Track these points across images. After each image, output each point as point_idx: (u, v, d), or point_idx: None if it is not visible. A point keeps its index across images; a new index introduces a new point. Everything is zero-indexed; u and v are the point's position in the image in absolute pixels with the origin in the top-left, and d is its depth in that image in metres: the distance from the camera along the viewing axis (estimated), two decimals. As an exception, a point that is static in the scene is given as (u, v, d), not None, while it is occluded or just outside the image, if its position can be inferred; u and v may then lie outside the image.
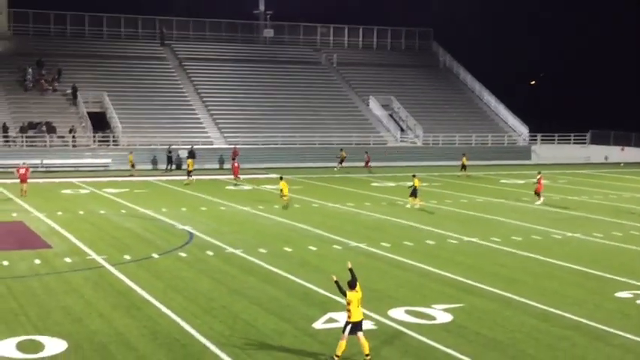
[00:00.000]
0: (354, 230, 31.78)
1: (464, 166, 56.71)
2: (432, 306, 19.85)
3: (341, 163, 60.45)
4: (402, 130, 73.37)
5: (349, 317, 15.70)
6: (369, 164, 59.80)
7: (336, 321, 18.35)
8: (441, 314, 19.11)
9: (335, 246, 28.27)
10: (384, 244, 28.64)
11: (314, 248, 27.74)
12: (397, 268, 24.72)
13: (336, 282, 16.15)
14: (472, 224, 33.91)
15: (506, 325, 18.34)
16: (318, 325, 18.13)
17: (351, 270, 16.26)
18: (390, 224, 33.77)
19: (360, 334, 15.72)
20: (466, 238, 30.09)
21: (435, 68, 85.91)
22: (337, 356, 15.62)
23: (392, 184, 50.44)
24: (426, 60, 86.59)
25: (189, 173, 50.10)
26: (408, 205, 38.80)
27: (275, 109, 72.02)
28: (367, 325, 18.05)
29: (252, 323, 18.24)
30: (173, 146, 61.39)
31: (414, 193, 38.80)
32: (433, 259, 26.01)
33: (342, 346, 15.65)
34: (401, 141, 71.99)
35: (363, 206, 39.16)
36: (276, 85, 75.46)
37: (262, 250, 27.04)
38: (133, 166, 55.91)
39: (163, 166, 59.52)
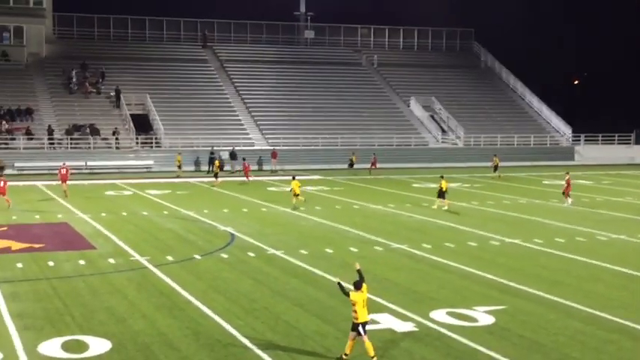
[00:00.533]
0: (395, 231, 31.67)
1: (496, 167, 56.27)
2: (474, 308, 19.70)
3: (351, 166, 59.46)
4: (443, 131, 73.02)
5: (356, 319, 15.64)
6: (376, 166, 58.84)
7: (377, 322, 18.29)
8: (483, 316, 18.96)
9: (376, 247, 28.20)
10: (425, 245, 28.51)
11: (355, 249, 27.70)
12: (439, 269, 24.59)
13: (339, 283, 16.18)
14: (514, 225, 33.63)
15: (549, 328, 18.14)
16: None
17: (359, 271, 16.25)
18: (432, 225, 33.61)
19: (357, 337, 15.71)
20: (508, 240, 29.84)
21: (477, 69, 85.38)
22: (372, 357, 15.55)
23: (433, 185, 50.16)
24: (467, 60, 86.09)
25: (216, 175, 50.24)
26: (435, 207, 38.52)
27: (316, 110, 72.12)
28: (408, 326, 18.02)
29: (293, 324, 18.26)
30: (215, 147, 61.73)
31: (441, 194, 38.50)
32: (475, 260, 25.82)
33: (369, 346, 15.61)
34: (442, 142, 71.65)
35: (404, 207, 39.03)
36: (316, 87, 75.56)
37: (304, 252, 27.07)
38: (179, 167, 56.36)
39: (206, 168, 59.83)
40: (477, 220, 35.22)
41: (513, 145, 72.32)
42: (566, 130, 76.05)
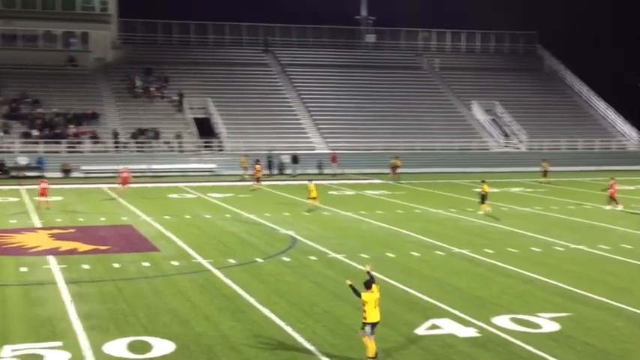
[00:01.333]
0: (456, 236, 31.46)
1: (545, 173, 55.30)
2: (538, 314, 19.46)
3: (394, 171, 57.89)
4: (505, 135, 72.26)
5: (365, 318, 15.73)
6: (397, 171, 57.94)
7: (439, 327, 18.22)
8: (547, 323, 18.72)
9: (437, 252, 28.05)
10: (487, 250, 28.26)
11: (416, 254, 27.60)
12: (501, 274, 24.36)
13: (351, 285, 16.21)
14: (579, 231, 33.14)
15: (616, 336, 17.82)
16: (421, 331, 18.03)
17: (369, 272, 16.38)
18: (493, 230, 33.31)
19: (372, 337, 15.78)
20: (573, 245, 29.41)
21: (540, 72, 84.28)
22: (371, 358, 15.62)
23: (495, 189, 49.72)
24: (530, 64, 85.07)
25: (257, 179, 49.82)
26: (481, 212, 37.98)
27: (377, 114, 72.01)
28: (470, 332, 17.89)
29: (354, 328, 18.22)
30: (274, 151, 61.99)
31: (483, 199, 38.00)
32: (538, 266, 25.51)
33: (372, 347, 15.68)
34: (504, 146, 70.91)
35: (465, 212, 38.74)
36: (378, 91, 75.43)
37: (365, 256, 27.06)
38: (245, 169, 56.96)
39: (268, 172, 60.09)
40: (541, 225, 34.78)
41: (577, 149, 71.22)
42: (633, 133, 74.59)
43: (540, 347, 16.85)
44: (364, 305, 15.78)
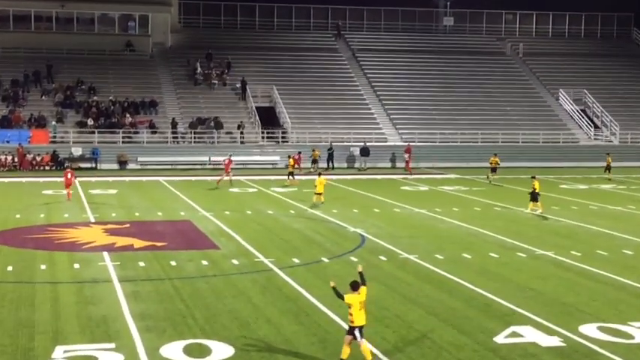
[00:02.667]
0: (539, 236, 31.09)
1: (608, 168, 53.96)
2: (630, 323, 19.14)
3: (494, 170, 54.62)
4: (596, 127, 71.04)
5: (351, 322, 15.77)
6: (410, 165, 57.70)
7: (520, 335, 18.04)
8: (639, 333, 18.40)
9: (519, 253, 27.76)
10: (574, 252, 27.87)
11: (495, 255, 27.35)
12: (589, 279, 24.01)
13: (333, 288, 16.22)
14: (677, 233, 32.47)
15: None
16: (500, 339, 17.87)
17: (360, 273, 16.36)
18: (581, 230, 32.83)
19: (363, 340, 15.79)
20: (669, 249, 28.85)
21: (636, 58, 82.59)
22: None
23: (583, 186, 48.95)
24: (624, 49, 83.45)
25: (290, 174, 49.22)
26: (527, 210, 37.45)
27: (454, 103, 71.48)
28: (554, 341, 17.66)
29: (427, 335, 18.19)
30: (337, 143, 62.01)
31: (534, 196, 37.36)
32: (631, 270, 25.07)
33: (366, 350, 15.76)
34: (595, 139, 69.74)
35: (550, 210, 38.21)
36: (456, 78, 74.86)
37: (439, 256, 26.92)
38: (315, 161, 57.45)
39: (325, 165, 59.97)
40: (635, 226, 34.15)
41: (676, 142, 69.80)
42: None
43: (631, 359, 16.58)
44: (349, 308, 15.82)
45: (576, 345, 17.56)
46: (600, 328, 18.71)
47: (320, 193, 39.34)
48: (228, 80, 70.13)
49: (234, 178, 48.44)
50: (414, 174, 56.01)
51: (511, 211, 38.30)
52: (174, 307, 20.30)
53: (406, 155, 59.43)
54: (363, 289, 16.01)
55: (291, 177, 48.84)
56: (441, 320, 19.33)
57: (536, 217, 36.51)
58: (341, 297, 15.99)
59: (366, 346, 15.93)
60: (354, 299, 15.86)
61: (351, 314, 15.88)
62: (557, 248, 28.58)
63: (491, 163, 52.53)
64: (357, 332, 15.85)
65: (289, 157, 52.14)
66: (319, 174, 41.14)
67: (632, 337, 18.12)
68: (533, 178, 38.39)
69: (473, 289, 22.46)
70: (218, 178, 48.32)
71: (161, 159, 59.31)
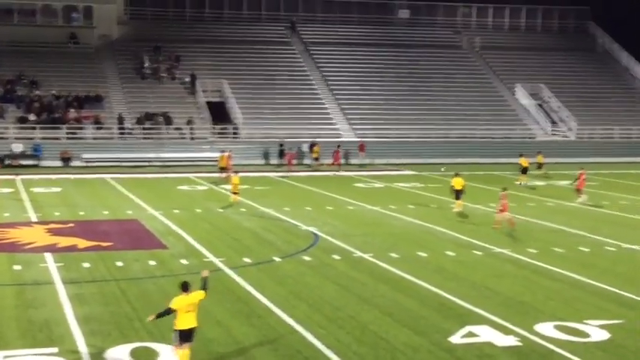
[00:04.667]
0: (496, 234, 31.38)
1: (540, 166, 54.17)
2: (586, 322, 19.41)
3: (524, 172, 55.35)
4: (552, 122, 71.88)
5: (175, 325, 15.52)
6: (340, 162, 57.60)
7: (476, 335, 18.20)
8: (596, 331, 18.67)
9: (475, 251, 28.00)
10: (530, 250, 28.19)
11: (451, 253, 27.55)
12: (546, 277, 24.30)
13: (159, 315, 15.82)
14: (633, 229, 33.01)
15: (673, 347, 17.75)
16: (456, 339, 18.01)
17: (204, 279, 16.30)
18: (538, 228, 33.21)
19: (186, 344, 15.49)
20: (626, 245, 29.29)
21: (593, 52, 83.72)
22: None
23: (541, 183, 49.47)
24: (581, 43, 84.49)
25: (222, 169, 49.29)
26: (455, 209, 37.24)
27: (410, 98, 71.82)
28: (510, 340, 17.83)
29: (382, 335, 18.27)
30: (289, 139, 62.11)
31: (457, 194, 37.24)
32: (588, 268, 25.43)
33: (182, 357, 15.48)
34: (552, 134, 70.54)
35: (507, 207, 38.56)
36: (411, 72, 75.25)
37: (394, 255, 27.04)
38: (317, 159, 58.41)
39: (276, 161, 60.04)
40: (590, 222, 34.65)
41: (632, 138, 70.81)
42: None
43: (588, 358, 16.84)
44: (176, 312, 15.56)
45: (533, 344, 17.75)
46: (557, 327, 18.93)
47: (237, 192, 38.76)
48: (177, 74, 69.73)
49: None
50: (369, 170, 56.16)
51: (467, 207, 38.54)
52: (120, 309, 20.14)
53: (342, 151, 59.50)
54: (197, 293, 15.75)
55: (223, 173, 48.61)
56: (396, 321, 19.42)
57: (493, 213, 36.79)
58: (167, 312, 15.62)
59: (183, 352, 15.49)
60: (182, 301, 15.57)
61: (175, 317, 15.55)
62: (513, 246, 28.89)
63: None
64: (174, 335, 15.54)
65: (222, 151, 51.83)
66: (236, 172, 40.70)
67: (589, 336, 18.36)
68: (456, 175, 38.02)
69: (428, 288, 22.60)
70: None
71: (107, 156, 58.74)
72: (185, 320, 15.55)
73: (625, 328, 18.94)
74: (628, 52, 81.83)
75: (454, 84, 74.62)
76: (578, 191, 41.45)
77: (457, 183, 37.28)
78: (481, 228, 32.83)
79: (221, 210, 37.05)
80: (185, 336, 15.53)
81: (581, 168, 43.06)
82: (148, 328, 18.53)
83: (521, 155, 51.33)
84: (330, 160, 57.58)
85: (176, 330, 15.55)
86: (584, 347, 17.60)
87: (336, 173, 54.42)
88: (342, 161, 58.65)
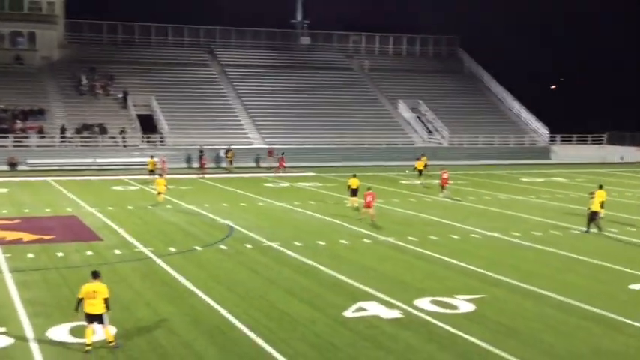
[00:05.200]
0: (383, 225, 31.64)
1: (417, 169, 54.00)
2: (456, 296, 19.73)
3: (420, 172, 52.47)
4: (429, 131, 73.01)
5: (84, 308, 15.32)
6: (284, 166, 57.18)
7: (365, 310, 18.33)
8: (464, 304, 18.99)
9: (365, 240, 28.21)
10: (411, 238, 28.53)
11: (345, 242, 27.70)
12: (423, 260, 24.62)
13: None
14: (494, 220, 33.66)
15: (525, 315, 18.18)
16: (349, 313, 18.10)
17: (95, 272, 15.83)
18: (417, 219, 33.62)
19: (98, 326, 15.40)
20: (488, 233, 29.88)
21: (461, 74, 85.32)
22: (88, 345, 15.26)
23: (419, 182, 50.18)
24: (452, 66, 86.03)
25: (151, 172, 48.00)
26: (349, 205, 36.71)
27: (310, 111, 72.05)
28: (394, 313, 18.03)
29: (286, 311, 18.27)
30: (214, 146, 61.66)
31: (353, 192, 36.45)
32: (457, 252, 25.86)
33: (87, 333, 15.38)
34: (428, 141, 71.63)
35: (391, 203, 39.02)
36: (311, 90, 75.47)
37: (297, 244, 27.06)
38: (231, 162, 58.04)
39: (197, 165, 59.35)
40: (460, 214, 35.24)
41: (494, 144, 72.40)
42: (543, 131, 76.08)
43: (458, 327, 17.10)
44: (84, 296, 15.37)
45: (413, 316, 17.97)
46: (432, 301, 19.20)
47: (161, 192, 37.58)
48: (111, 91, 68.41)
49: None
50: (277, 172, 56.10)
51: (359, 203, 38.66)
52: (61, 293, 19.67)
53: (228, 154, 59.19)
54: (103, 286, 15.46)
55: (152, 175, 47.36)
56: (298, 299, 19.44)
57: (380, 207, 37.08)
58: (79, 301, 15.36)
59: (89, 329, 15.34)
60: (87, 287, 15.38)
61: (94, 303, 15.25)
62: (396, 234, 29.18)
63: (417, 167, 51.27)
64: (86, 318, 15.34)
65: (152, 156, 50.92)
66: (160, 175, 39.84)
67: (458, 308, 18.67)
68: (354, 176, 37.39)
69: (325, 270, 22.68)
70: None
71: (50, 161, 57.20)
72: (89, 305, 15.25)
73: (487, 301, 19.33)
74: (489, 74, 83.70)
75: (347, 100, 75.10)
76: (442, 187, 42.31)
77: (353, 183, 37.16)
78: (370, 220, 33.04)
79: (150, 207, 36.50)
80: (90, 318, 15.27)
81: (442, 168, 43.87)
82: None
83: (418, 159, 51.73)
84: (276, 164, 57.25)
85: (85, 312, 15.31)
86: (454, 317, 17.90)
87: (280, 175, 54.03)
88: (254, 165, 58.37)
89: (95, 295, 15.30)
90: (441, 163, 62.89)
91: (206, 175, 52.45)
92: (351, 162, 62.80)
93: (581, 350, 15.79)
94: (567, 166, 66.33)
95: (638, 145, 76.88)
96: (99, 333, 15.69)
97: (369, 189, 33.44)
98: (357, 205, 35.83)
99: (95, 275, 15.60)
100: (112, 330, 15.53)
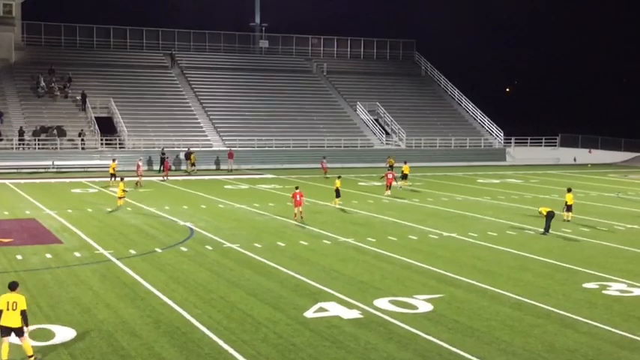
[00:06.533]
0: (342, 226, 31.74)
1: (391, 167, 55.05)
2: (415, 296, 19.84)
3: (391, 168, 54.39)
4: (387, 133, 73.37)
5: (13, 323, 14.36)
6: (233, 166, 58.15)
7: (326, 310, 18.35)
8: (422, 304, 19.11)
9: (325, 241, 28.24)
10: (370, 239, 28.63)
11: (305, 243, 27.71)
12: (382, 261, 24.71)
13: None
14: (451, 221, 33.92)
15: (482, 314, 18.36)
16: (309, 314, 18.11)
17: (13, 282, 14.98)
18: (376, 220, 33.75)
19: (8, 340, 14.49)
20: (446, 234, 30.11)
21: (418, 76, 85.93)
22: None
23: (378, 183, 50.42)
24: (409, 69, 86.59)
25: (112, 176, 47.12)
26: (333, 204, 37.84)
27: (270, 114, 71.97)
28: (354, 313, 18.08)
29: (248, 312, 18.21)
30: (174, 148, 61.33)
31: (337, 193, 37.93)
32: (415, 252, 26.01)
33: (3, 348, 14.57)
34: (386, 143, 72.00)
35: (350, 204, 39.13)
36: (270, 92, 75.38)
37: (257, 245, 27.00)
38: (193, 164, 57.83)
39: (157, 167, 58.96)
40: (418, 215, 35.46)
41: (451, 147, 73.01)
42: (498, 133, 76.94)
43: (416, 326, 17.19)
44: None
45: (372, 316, 18.03)
46: (391, 302, 19.28)
47: (121, 197, 36.74)
48: (69, 93, 67.59)
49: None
50: (236, 174, 55.90)
51: (318, 204, 38.85)
52: (20, 296, 19.33)
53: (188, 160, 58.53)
54: (21, 297, 14.56)
55: (113, 179, 46.72)
56: (259, 300, 19.39)
57: (339, 210, 37.26)
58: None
59: (4, 345, 14.48)
60: (3, 299, 14.43)
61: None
62: (356, 236, 29.27)
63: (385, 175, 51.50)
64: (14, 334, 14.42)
65: (113, 160, 50.21)
66: (122, 178, 38.62)
67: (417, 308, 18.78)
68: (339, 177, 39.20)
69: (286, 272, 22.66)
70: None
71: (7, 164, 56.33)
72: (5, 318, 14.34)
73: (445, 301, 19.48)
74: (445, 77, 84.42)
75: (306, 102, 75.20)
76: (388, 187, 43.59)
77: (338, 184, 38.10)
78: (330, 221, 33.12)
79: (110, 210, 36.13)
80: (7, 331, 14.37)
81: (389, 168, 44.65)
82: (44, 312, 17.91)
83: (405, 162, 51.74)
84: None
85: (0, 325, 14.40)
86: (413, 317, 18.01)
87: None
88: (214, 167, 58.08)
89: (14, 306, 14.42)
90: (399, 165, 63.46)
91: (169, 178, 52.06)
92: (310, 164, 62.86)
93: (536, 348, 16.00)
94: (522, 167, 67.17)
95: (590, 147, 78.22)
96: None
97: (296, 188, 34.01)
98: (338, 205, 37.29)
99: (13, 286, 14.76)
100: (30, 343, 14.74)
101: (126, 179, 39.70)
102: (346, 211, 36.79)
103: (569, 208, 33.77)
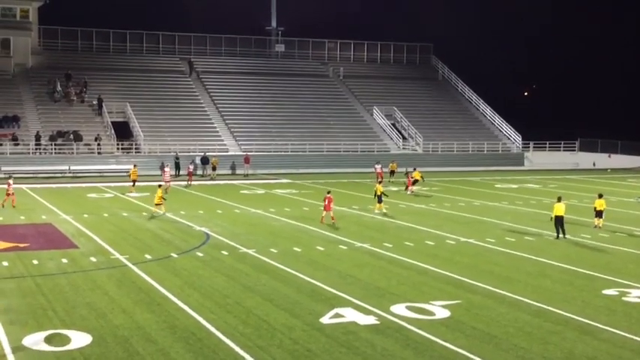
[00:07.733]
0: (358, 231, 31.71)
1: (392, 173, 56.28)
2: (432, 302, 19.78)
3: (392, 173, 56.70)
4: (403, 138, 73.29)
5: None
6: (215, 171, 57.98)
7: (342, 316, 18.32)
8: (439, 310, 19.04)
9: (341, 246, 28.22)
10: (386, 244, 28.58)
11: (321, 248, 27.70)
12: (399, 266, 24.66)
13: None
14: (469, 226, 33.80)
15: (500, 321, 18.27)
16: (325, 320, 18.09)
17: None
18: (392, 226, 33.69)
19: None
20: (463, 239, 30.00)
21: (435, 80, 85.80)
22: None
23: (394, 188, 50.34)
24: (425, 73, 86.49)
25: (134, 182, 47.21)
26: (377, 210, 37.78)
27: (286, 118, 72.08)
28: (370, 319, 18.04)
29: (263, 318, 18.22)
30: (190, 153, 61.49)
31: (379, 198, 37.65)
32: (432, 258, 25.94)
33: None
34: (403, 148, 71.92)
35: (367, 209, 39.08)
36: (286, 97, 75.51)
37: (273, 250, 27.02)
38: (214, 168, 57.75)
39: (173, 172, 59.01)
40: (435, 220, 35.36)
41: (468, 151, 72.81)
42: (516, 137, 76.67)
43: (433, 333, 17.13)
44: None
45: (388, 322, 17.98)
46: (408, 307, 19.22)
47: (159, 204, 36.38)
48: (85, 98, 68.04)
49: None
50: (252, 179, 55.97)
51: (335, 210, 38.71)
52: (35, 301, 19.46)
53: (191, 166, 57.18)
54: None
55: (134, 184, 47.02)
56: (275, 305, 19.40)
57: (355, 214, 37.21)
58: None
59: None
60: None
61: None
62: (372, 241, 29.22)
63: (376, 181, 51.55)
64: None
65: (134, 165, 50.39)
66: (159, 186, 38.53)
67: (434, 314, 18.72)
68: (380, 182, 39.25)
69: (302, 277, 22.65)
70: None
71: (24, 168, 56.72)
72: None
73: (462, 307, 19.39)
74: (462, 81, 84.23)
75: (322, 106, 75.26)
76: (407, 188, 45.61)
77: (378, 189, 37.89)
78: (346, 226, 33.10)
79: (125, 214, 36.29)
80: None
81: (406, 173, 45.38)
82: (60, 317, 18.00)
83: (414, 169, 51.70)
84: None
85: None
86: (430, 323, 17.95)
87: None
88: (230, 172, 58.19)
89: None
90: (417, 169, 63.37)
91: (192, 183, 51.83)
92: (326, 169, 62.95)
93: (555, 355, 15.89)
94: (541, 172, 66.85)
95: (610, 152, 77.74)
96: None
97: (328, 192, 33.92)
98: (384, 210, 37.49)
99: None
100: None
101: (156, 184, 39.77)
102: (363, 216, 36.75)
103: (599, 213, 33.28)
